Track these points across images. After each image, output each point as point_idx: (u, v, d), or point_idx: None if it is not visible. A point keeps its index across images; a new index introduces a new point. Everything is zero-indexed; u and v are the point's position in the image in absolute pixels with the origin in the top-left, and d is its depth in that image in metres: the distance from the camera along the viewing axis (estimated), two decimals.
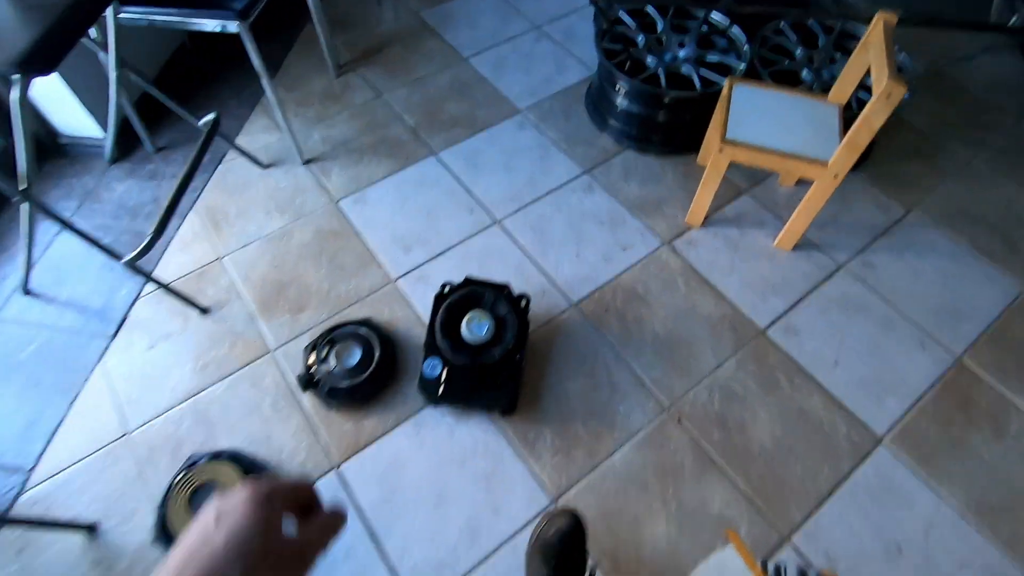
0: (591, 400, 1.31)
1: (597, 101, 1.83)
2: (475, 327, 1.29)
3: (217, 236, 1.57)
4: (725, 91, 1.49)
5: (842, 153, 1.30)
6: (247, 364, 1.35)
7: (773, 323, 1.43)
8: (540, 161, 1.74)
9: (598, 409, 1.29)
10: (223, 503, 0.38)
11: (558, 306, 1.45)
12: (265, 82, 1.51)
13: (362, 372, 1.29)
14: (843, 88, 1.44)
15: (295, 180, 1.68)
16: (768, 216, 1.63)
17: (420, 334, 1.39)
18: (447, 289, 1.35)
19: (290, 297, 1.45)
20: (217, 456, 1.20)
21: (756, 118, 1.43)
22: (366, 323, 1.37)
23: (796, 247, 1.56)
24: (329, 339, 1.33)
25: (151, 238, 1.28)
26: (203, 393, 1.31)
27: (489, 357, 1.26)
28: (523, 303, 1.33)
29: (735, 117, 1.43)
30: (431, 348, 1.28)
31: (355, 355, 1.32)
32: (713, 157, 1.42)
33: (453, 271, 1.50)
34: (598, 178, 1.70)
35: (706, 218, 1.60)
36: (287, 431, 1.26)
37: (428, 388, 1.25)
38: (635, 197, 1.66)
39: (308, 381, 1.28)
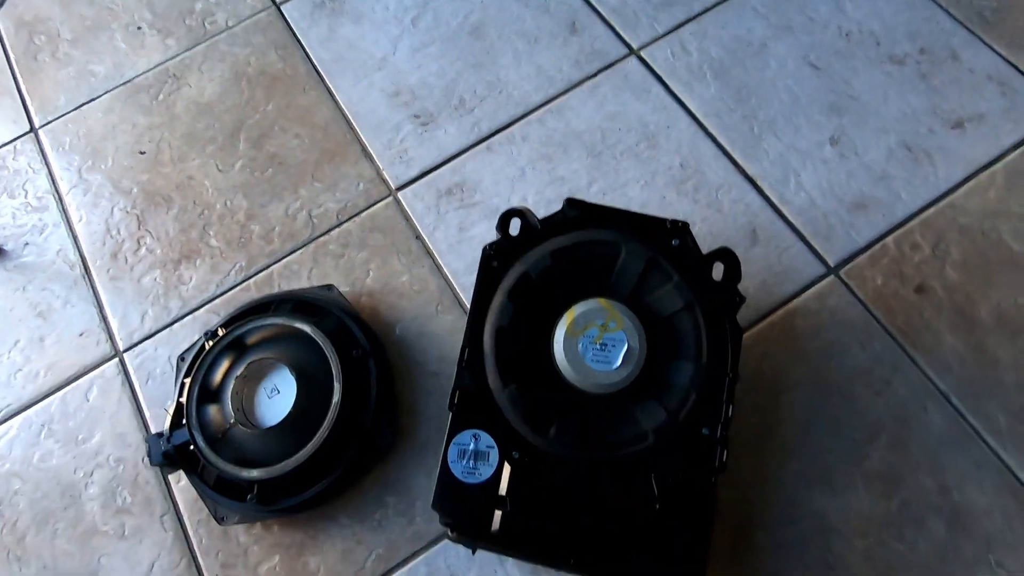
0: (899, 560, 0.49)
1: None
2: (593, 351, 0.46)
3: (30, 82, 0.75)
4: None
5: None
6: (57, 388, 0.60)
7: None
8: None
9: None
10: None
11: (793, 273, 0.58)
12: None
13: (299, 440, 0.52)
14: None
15: None
16: None
17: (449, 332, 0.59)
18: (518, 229, 0.50)
19: (167, 225, 0.65)
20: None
21: None
22: (320, 306, 0.57)
23: None
24: (233, 341, 0.55)
25: None
26: None
27: (630, 440, 0.45)
28: (725, 273, 0.48)
29: None
30: (474, 398, 0.47)
31: (286, 390, 0.54)
32: None
33: (531, 178, 0.64)
34: None
35: None
36: (129, 560, 0.54)
37: (460, 508, 0.47)
38: None
39: (176, 452, 0.53)
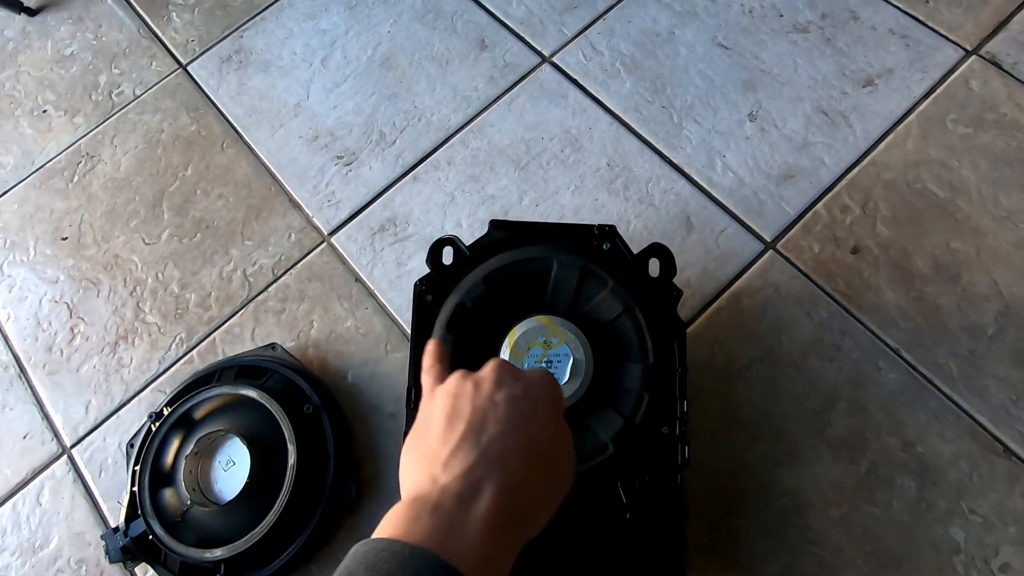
0: (876, 523, 0.49)
1: None
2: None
3: None
4: None
5: None
6: (6, 497, 0.57)
7: None
8: None
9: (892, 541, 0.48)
10: (526, 383, 0.32)
11: (732, 254, 0.58)
12: None
13: (260, 510, 0.50)
14: None
15: (97, 33, 0.78)
16: None
17: (400, 371, 0.58)
18: (450, 256, 0.50)
19: (99, 309, 0.63)
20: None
21: None
22: (264, 367, 0.56)
23: None
24: (179, 418, 0.54)
25: None
26: None
27: (591, 452, 0.44)
28: (660, 269, 0.48)
29: None
30: None
31: (241, 461, 0.52)
32: None
33: (462, 201, 0.64)
34: None
35: None
36: None
37: None
38: None
39: (135, 545, 0.51)
